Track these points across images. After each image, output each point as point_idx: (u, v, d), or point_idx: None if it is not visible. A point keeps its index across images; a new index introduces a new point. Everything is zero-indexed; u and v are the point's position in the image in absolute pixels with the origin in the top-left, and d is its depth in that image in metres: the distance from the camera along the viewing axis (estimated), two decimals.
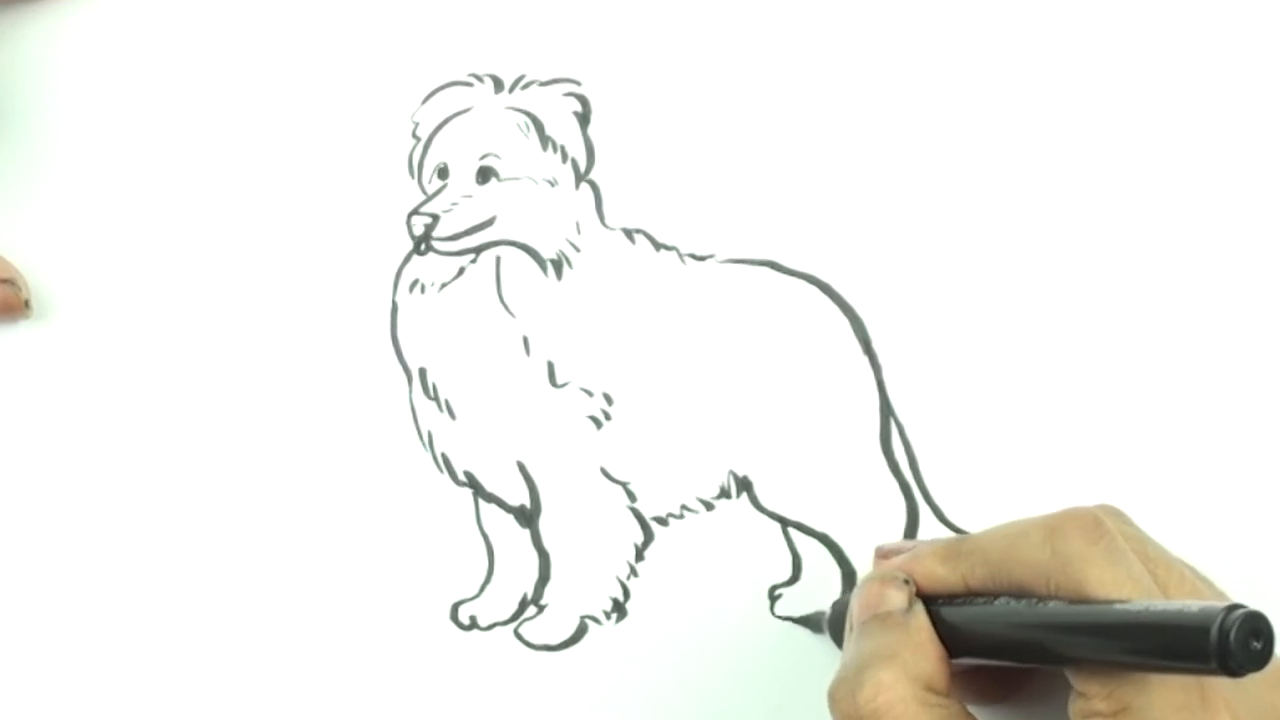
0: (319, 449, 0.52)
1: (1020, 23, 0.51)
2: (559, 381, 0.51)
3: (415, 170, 0.53)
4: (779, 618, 0.51)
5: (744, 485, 0.51)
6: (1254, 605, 0.37)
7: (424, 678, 0.52)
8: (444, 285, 0.52)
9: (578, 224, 0.52)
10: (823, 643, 0.50)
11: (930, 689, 0.40)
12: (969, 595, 0.41)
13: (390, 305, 0.53)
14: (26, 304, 0.53)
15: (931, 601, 0.42)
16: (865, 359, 0.51)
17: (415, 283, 0.52)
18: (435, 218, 0.52)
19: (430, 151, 0.53)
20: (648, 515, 0.51)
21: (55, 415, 0.54)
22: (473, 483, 0.52)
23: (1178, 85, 0.50)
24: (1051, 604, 0.39)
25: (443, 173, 0.53)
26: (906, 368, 0.50)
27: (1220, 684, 0.37)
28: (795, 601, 0.51)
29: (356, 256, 0.53)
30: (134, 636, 0.53)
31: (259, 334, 0.53)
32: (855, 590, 0.44)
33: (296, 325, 0.53)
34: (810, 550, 0.51)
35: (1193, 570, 0.43)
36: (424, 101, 0.53)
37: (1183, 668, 0.35)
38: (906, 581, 0.42)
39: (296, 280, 0.53)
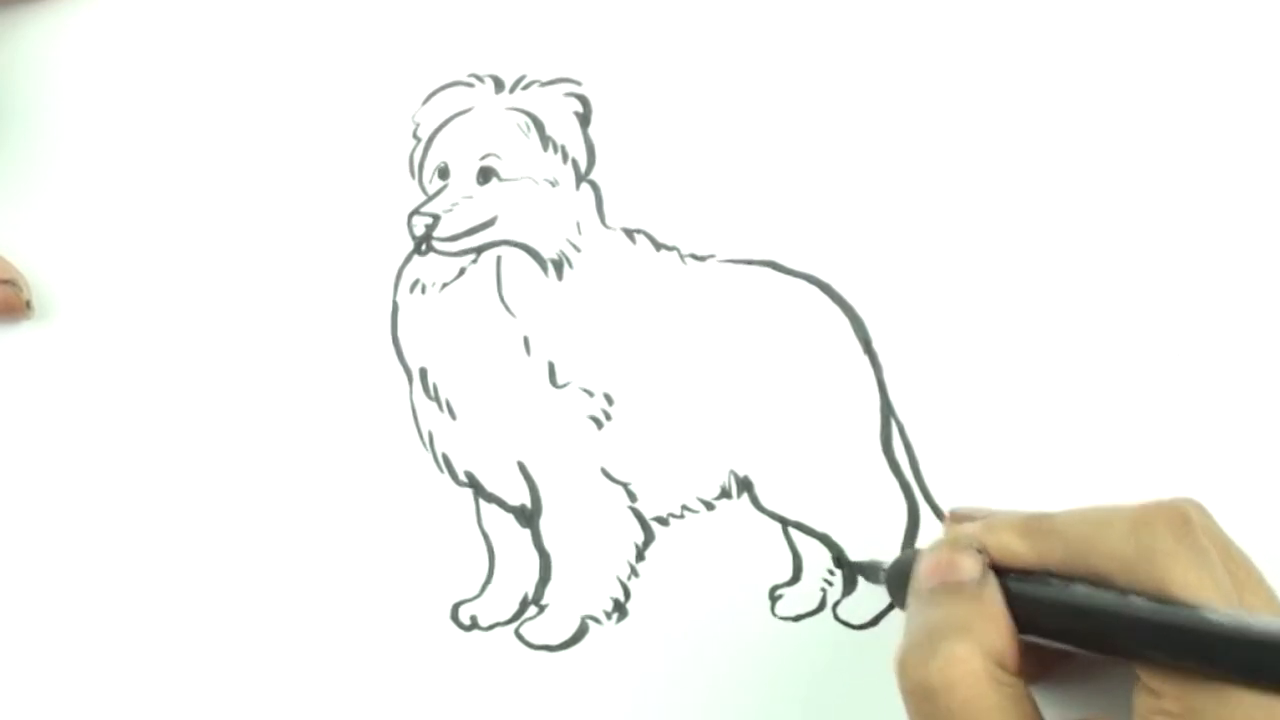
0: (320, 449, 0.52)
1: (1020, 23, 0.51)
2: (560, 381, 0.51)
3: (416, 170, 0.53)
4: (780, 618, 0.51)
5: (745, 485, 0.51)
6: None
7: (424, 678, 0.52)
8: (445, 285, 0.52)
9: (578, 224, 0.52)
10: (823, 642, 0.50)
11: (1001, 665, 0.39)
12: (1043, 574, 0.41)
13: (391, 305, 0.53)
14: (28, 304, 0.53)
15: (1001, 574, 0.41)
16: (866, 359, 0.51)
17: (416, 283, 0.52)
18: (436, 218, 0.52)
19: (431, 152, 0.53)
20: (648, 515, 0.51)
21: (56, 415, 0.54)
22: (473, 483, 0.52)
23: (1178, 85, 0.51)
24: (1134, 599, 0.38)
25: (443, 173, 0.53)
26: (907, 368, 0.50)
27: None
28: (796, 601, 0.51)
29: (357, 257, 0.53)
30: (134, 636, 0.53)
31: (260, 334, 0.53)
32: (923, 552, 0.43)
33: (297, 325, 0.53)
34: (811, 550, 0.51)
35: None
36: (425, 102, 0.53)
37: (1271, 687, 0.35)
38: (980, 551, 0.42)
39: (297, 280, 0.53)
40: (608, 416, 0.51)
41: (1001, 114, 0.51)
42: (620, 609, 0.51)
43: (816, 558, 0.51)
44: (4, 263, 0.53)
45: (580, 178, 0.52)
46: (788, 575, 0.51)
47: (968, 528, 0.43)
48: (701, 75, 0.52)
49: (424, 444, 0.52)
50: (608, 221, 0.52)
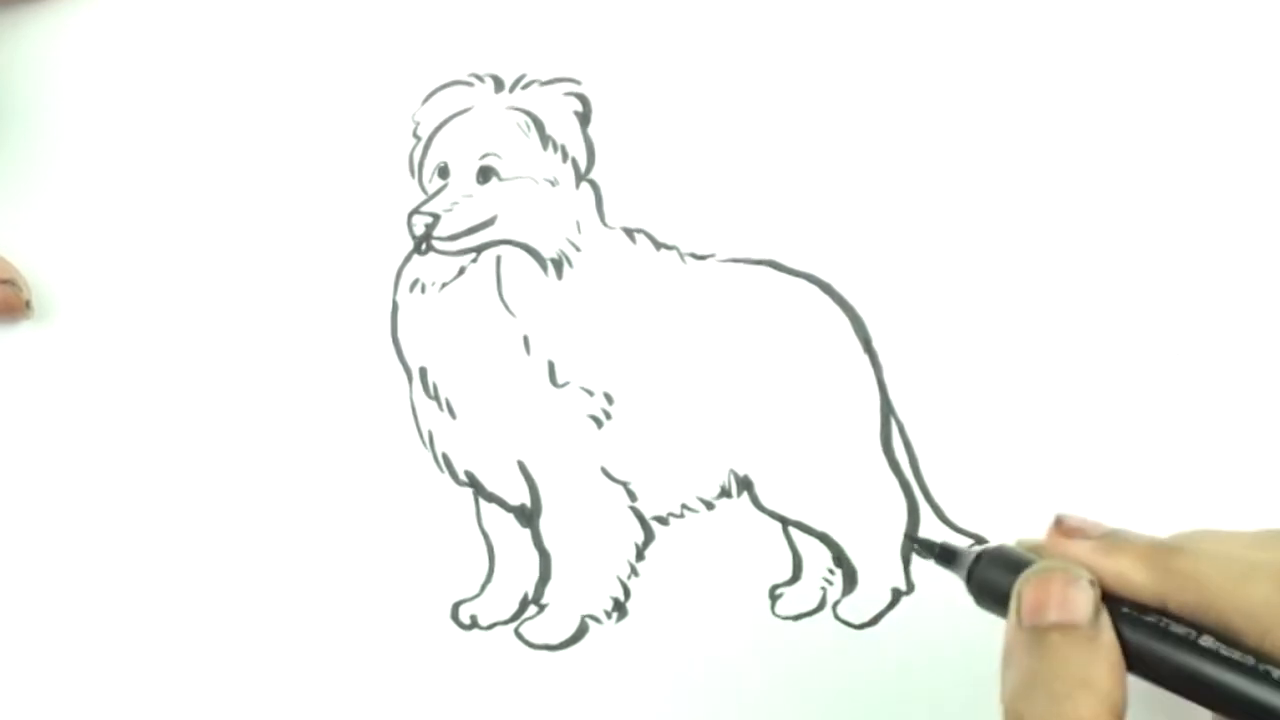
0: (319, 448, 0.52)
1: (1020, 23, 0.51)
2: (559, 381, 0.51)
3: (416, 170, 0.53)
4: (779, 617, 0.51)
5: (744, 484, 0.51)
6: None
7: (424, 677, 0.52)
8: (444, 285, 0.52)
9: (578, 223, 0.52)
10: (823, 641, 0.50)
11: (1119, 718, 0.36)
12: (1160, 612, 0.37)
13: (391, 305, 0.53)
14: (27, 304, 0.53)
15: (1111, 602, 0.37)
16: (866, 358, 0.51)
17: (416, 282, 0.52)
18: (436, 217, 0.52)
19: (431, 151, 0.53)
20: (648, 515, 0.51)
21: (55, 415, 0.54)
22: (473, 482, 0.52)
23: (1178, 85, 0.51)
24: (1276, 671, 0.35)
25: (443, 172, 0.52)
26: (907, 367, 0.50)
27: None
28: (796, 601, 0.51)
29: (357, 256, 0.53)
30: (134, 636, 0.53)
31: (260, 334, 0.53)
32: (1027, 574, 0.38)
33: (297, 325, 0.53)
34: (811, 549, 0.51)
35: None
36: (425, 101, 0.53)
37: None
38: (1092, 583, 0.37)
39: (297, 280, 0.53)
40: (608, 416, 0.51)
41: (1001, 114, 0.51)
42: (620, 608, 0.51)
43: (816, 557, 0.51)
44: (4, 262, 0.53)
45: (580, 177, 0.52)
46: (788, 574, 0.51)
47: (1078, 548, 0.38)
48: (701, 75, 0.52)
49: (424, 443, 0.52)
50: (607, 221, 0.52)
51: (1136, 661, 0.37)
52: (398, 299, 0.53)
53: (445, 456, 0.52)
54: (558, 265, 0.52)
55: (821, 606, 0.51)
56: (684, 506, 0.51)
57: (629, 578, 0.51)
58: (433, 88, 0.53)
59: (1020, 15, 0.51)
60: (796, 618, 0.51)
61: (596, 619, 0.51)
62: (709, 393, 0.51)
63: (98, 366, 0.54)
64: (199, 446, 0.53)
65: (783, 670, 0.51)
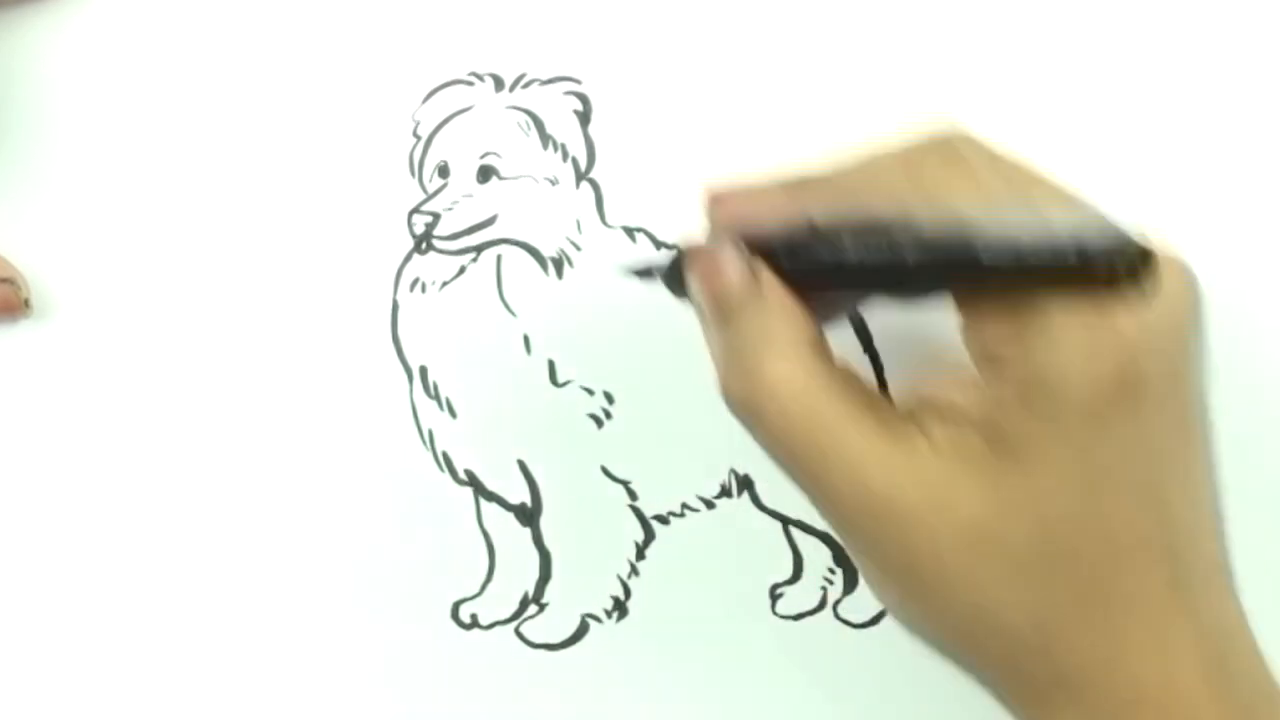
0: (319, 448, 0.52)
1: (1020, 22, 0.51)
2: (560, 380, 0.51)
3: (416, 169, 0.53)
4: (780, 616, 0.51)
5: (745, 484, 0.51)
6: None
7: (424, 677, 0.52)
8: (445, 284, 0.52)
9: (578, 222, 0.52)
10: (823, 641, 0.50)
11: (819, 353, 0.38)
12: (813, 231, 0.38)
13: (391, 304, 0.53)
14: (26, 303, 0.53)
15: (775, 255, 0.38)
16: (866, 358, 0.51)
17: (416, 281, 0.52)
18: (436, 216, 0.52)
19: (431, 150, 0.53)
20: (649, 514, 0.51)
21: (55, 415, 0.54)
22: (473, 481, 0.52)
23: (1178, 85, 0.51)
24: (926, 227, 0.36)
25: (443, 171, 0.53)
26: (907, 367, 0.50)
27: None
28: (796, 600, 0.51)
29: (357, 255, 0.53)
30: (134, 636, 0.53)
31: (260, 333, 0.53)
32: (690, 262, 0.40)
33: (297, 324, 0.53)
34: (811, 549, 0.51)
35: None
36: (425, 100, 0.53)
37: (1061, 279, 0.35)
38: (735, 243, 0.39)
39: (297, 279, 0.53)
40: (608, 415, 0.51)
41: (1001, 116, 0.51)
42: (620, 607, 0.51)
43: (817, 556, 0.51)
44: (3, 261, 0.53)
45: (580, 176, 0.52)
46: (788, 574, 0.51)
47: (730, 210, 0.40)
48: (702, 74, 0.52)
49: (424, 442, 0.52)
50: (608, 220, 0.52)
51: (810, 290, 0.38)
52: (398, 298, 0.53)
53: (445, 455, 0.52)
54: (558, 264, 0.52)
55: (822, 606, 0.51)
56: (684, 505, 0.51)
57: (629, 577, 0.51)
58: (433, 87, 0.53)
59: (1020, 14, 0.51)
60: (797, 617, 0.51)
61: (597, 618, 0.51)
62: (709, 392, 0.51)
63: (98, 366, 0.54)
64: (199, 446, 0.53)
65: (783, 670, 0.51)
